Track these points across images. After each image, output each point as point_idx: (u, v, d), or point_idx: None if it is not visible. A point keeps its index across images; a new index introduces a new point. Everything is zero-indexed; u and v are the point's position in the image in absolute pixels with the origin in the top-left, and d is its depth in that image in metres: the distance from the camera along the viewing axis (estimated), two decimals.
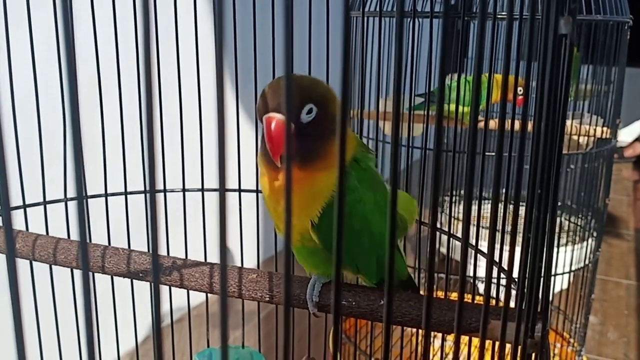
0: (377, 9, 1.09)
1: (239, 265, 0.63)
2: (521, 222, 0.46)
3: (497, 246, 0.51)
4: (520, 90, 1.18)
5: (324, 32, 0.72)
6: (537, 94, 0.41)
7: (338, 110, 0.51)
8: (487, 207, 1.76)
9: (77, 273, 0.75)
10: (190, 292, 0.66)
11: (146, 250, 0.64)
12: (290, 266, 0.23)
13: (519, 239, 0.44)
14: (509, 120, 0.48)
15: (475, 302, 0.64)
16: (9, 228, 0.21)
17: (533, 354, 0.44)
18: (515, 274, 0.47)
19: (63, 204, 0.77)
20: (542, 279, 0.43)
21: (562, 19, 0.35)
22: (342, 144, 0.24)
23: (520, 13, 0.54)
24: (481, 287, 1.55)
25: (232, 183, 0.79)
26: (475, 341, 0.66)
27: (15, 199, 0.72)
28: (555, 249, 1.51)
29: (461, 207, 1.67)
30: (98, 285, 0.77)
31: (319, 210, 0.53)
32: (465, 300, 0.54)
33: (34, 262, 0.67)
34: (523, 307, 0.43)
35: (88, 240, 0.73)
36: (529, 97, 0.39)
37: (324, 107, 0.52)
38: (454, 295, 1.08)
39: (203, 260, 0.64)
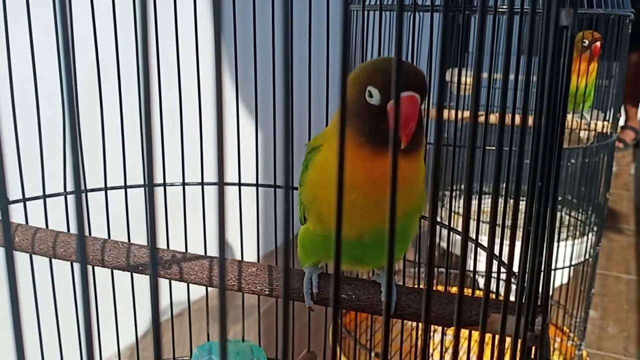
0: (378, 3, 1.08)
1: (239, 259, 0.63)
2: (521, 216, 0.46)
3: (497, 240, 0.51)
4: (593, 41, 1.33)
5: (324, 25, 0.71)
6: (537, 88, 0.41)
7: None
8: (487, 202, 1.76)
9: (77, 266, 0.75)
10: (191, 286, 0.66)
11: (146, 243, 0.64)
12: (289, 259, 0.23)
13: (519, 233, 0.44)
14: (509, 115, 0.48)
15: (475, 296, 0.63)
16: (6, 222, 0.21)
17: (533, 348, 0.44)
18: (515, 268, 0.47)
19: (63, 197, 0.77)
20: (542, 272, 0.43)
21: (563, 10, 0.35)
22: (341, 138, 0.23)
23: (521, 6, 0.53)
24: (481, 281, 1.55)
25: (232, 177, 0.79)
26: (475, 335, 0.67)
27: (15, 193, 0.72)
28: (555, 244, 1.51)
29: (461, 201, 1.67)
30: (98, 278, 0.77)
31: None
32: (465, 293, 0.54)
33: (33, 256, 0.67)
34: (523, 301, 0.43)
35: (87, 234, 0.73)
36: (529, 91, 0.39)
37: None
38: (454, 290, 1.08)
39: (203, 254, 0.64)
